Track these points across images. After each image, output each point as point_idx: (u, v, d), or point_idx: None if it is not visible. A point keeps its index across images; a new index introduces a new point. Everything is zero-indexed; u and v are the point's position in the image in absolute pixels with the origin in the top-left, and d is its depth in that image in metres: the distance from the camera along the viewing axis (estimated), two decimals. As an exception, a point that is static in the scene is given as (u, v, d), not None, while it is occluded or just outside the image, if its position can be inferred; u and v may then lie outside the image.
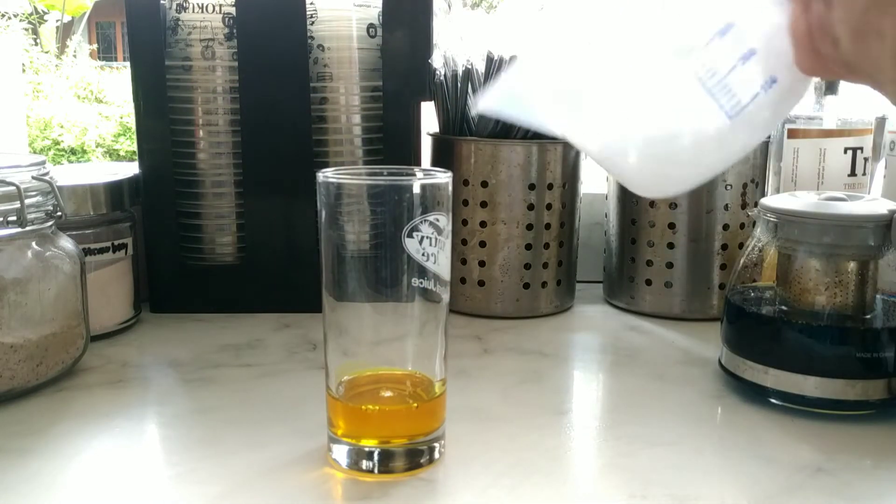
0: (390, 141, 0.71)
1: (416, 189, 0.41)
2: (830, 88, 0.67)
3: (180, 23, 0.69)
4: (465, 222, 0.71)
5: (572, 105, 0.36)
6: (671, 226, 0.71)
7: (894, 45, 0.26)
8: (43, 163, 0.56)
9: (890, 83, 0.27)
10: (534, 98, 0.36)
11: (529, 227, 0.71)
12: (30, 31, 3.71)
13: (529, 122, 0.37)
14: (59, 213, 0.56)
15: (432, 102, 0.73)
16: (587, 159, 0.75)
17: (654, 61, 0.35)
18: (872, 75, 0.28)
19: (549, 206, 0.71)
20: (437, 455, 0.45)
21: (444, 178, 0.42)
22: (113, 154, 3.35)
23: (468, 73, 0.70)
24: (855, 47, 0.28)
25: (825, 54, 0.30)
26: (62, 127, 3.37)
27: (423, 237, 0.41)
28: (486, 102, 0.37)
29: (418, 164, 0.72)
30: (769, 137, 0.70)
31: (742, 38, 0.34)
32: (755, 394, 0.54)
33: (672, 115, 0.35)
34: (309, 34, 0.69)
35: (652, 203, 0.71)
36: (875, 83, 0.29)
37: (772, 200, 0.55)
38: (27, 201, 0.53)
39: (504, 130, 0.70)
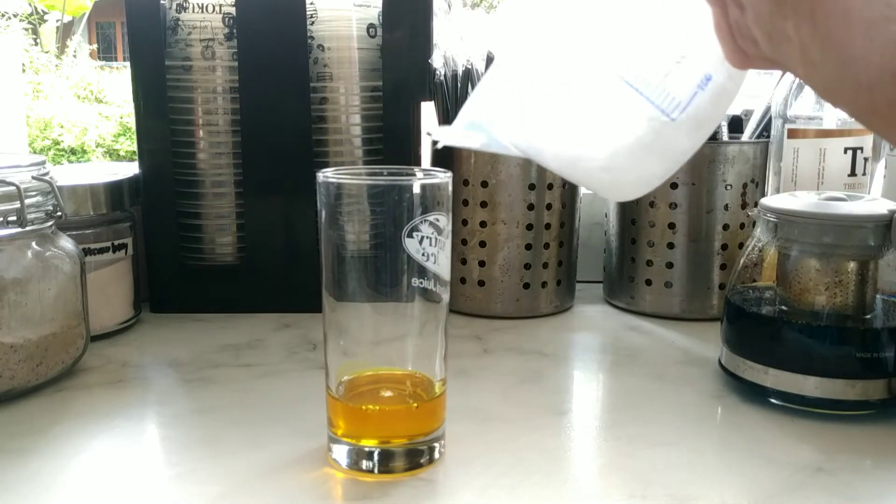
0: (390, 141, 0.71)
1: (416, 189, 0.41)
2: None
3: (180, 23, 0.69)
4: (465, 222, 0.71)
5: (528, 127, 0.38)
6: (671, 226, 0.71)
7: (800, 47, 0.28)
8: (43, 163, 0.56)
9: (805, 78, 0.29)
10: (492, 125, 0.38)
11: (529, 227, 0.71)
12: (30, 31, 3.71)
13: (491, 147, 0.39)
14: (59, 213, 0.56)
15: (432, 102, 0.73)
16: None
17: (595, 78, 0.38)
18: (793, 70, 0.30)
19: (549, 206, 0.71)
20: (436, 455, 0.45)
21: (443, 178, 0.42)
22: (113, 154, 3.35)
23: (468, 73, 0.70)
24: (770, 47, 0.30)
25: (748, 51, 0.32)
26: (62, 127, 3.37)
27: (423, 237, 0.41)
28: (448, 136, 0.39)
29: (418, 164, 0.72)
30: (769, 137, 0.70)
31: (674, 43, 0.36)
32: (755, 394, 0.54)
33: (620, 124, 0.37)
34: (309, 34, 0.69)
35: (652, 203, 0.71)
36: (797, 75, 0.30)
37: (772, 200, 0.55)
38: (27, 201, 0.53)
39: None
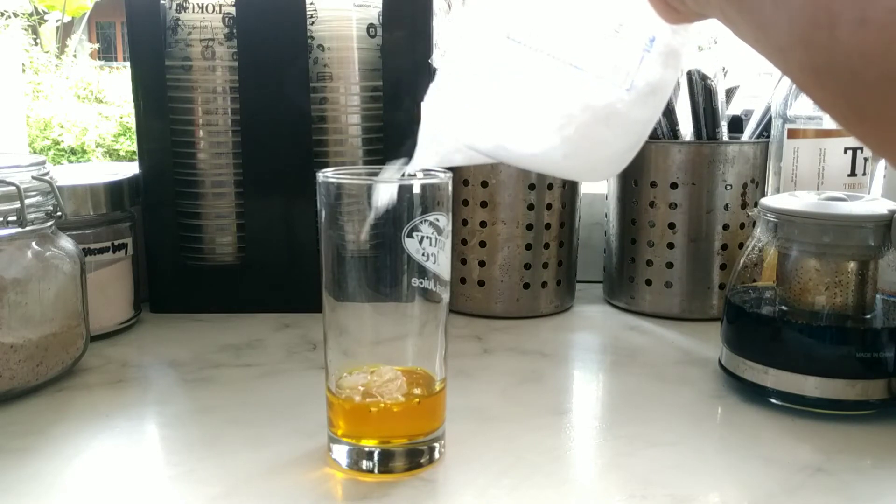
0: (390, 141, 0.71)
1: (416, 189, 0.41)
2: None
3: (180, 23, 0.69)
4: (465, 222, 0.71)
5: (489, 129, 0.37)
6: (671, 226, 0.71)
7: (720, 8, 0.29)
8: (43, 163, 0.56)
9: (733, 32, 0.29)
10: (457, 136, 0.38)
11: (529, 227, 0.71)
12: (30, 31, 3.70)
13: (463, 160, 0.39)
14: (59, 213, 0.56)
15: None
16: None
17: (540, 67, 0.37)
18: (722, 23, 0.30)
19: (549, 206, 0.71)
20: (436, 455, 0.45)
21: (443, 178, 0.42)
22: (113, 154, 3.35)
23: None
24: (695, 5, 0.31)
25: (678, 8, 0.32)
26: (62, 127, 3.37)
27: (423, 237, 0.41)
28: (420, 161, 0.38)
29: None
30: (769, 137, 0.70)
31: (608, 14, 0.36)
32: (755, 394, 0.54)
33: (573, 108, 0.36)
34: (309, 34, 0.69)
35: (652, 203, 0.71)
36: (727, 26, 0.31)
37: (772, 200, 0.55)
38: (27, 201, 0.53)
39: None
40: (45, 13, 3.71)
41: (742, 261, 0.57)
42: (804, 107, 0.67)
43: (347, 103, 0.72)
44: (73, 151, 3.33)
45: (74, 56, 3.97)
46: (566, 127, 0.36)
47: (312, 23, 0.70)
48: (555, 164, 0.37)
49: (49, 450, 0.46)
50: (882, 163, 0.68)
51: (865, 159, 0.67)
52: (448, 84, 0.38)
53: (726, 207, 0.70)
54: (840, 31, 0.23)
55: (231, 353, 0.62)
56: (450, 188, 0.43)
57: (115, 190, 0.66)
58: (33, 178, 0.54)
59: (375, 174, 0.43)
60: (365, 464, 0.44)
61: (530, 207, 0.70)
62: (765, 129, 0.71)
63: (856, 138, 0.27)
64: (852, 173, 0.66)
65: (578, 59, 0.36)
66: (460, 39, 0.38)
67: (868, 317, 0.52)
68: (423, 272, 0.42)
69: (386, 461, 0.44)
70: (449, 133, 0.38)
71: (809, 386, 0.51)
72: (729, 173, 0.70)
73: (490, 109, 0.37)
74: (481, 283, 0.72)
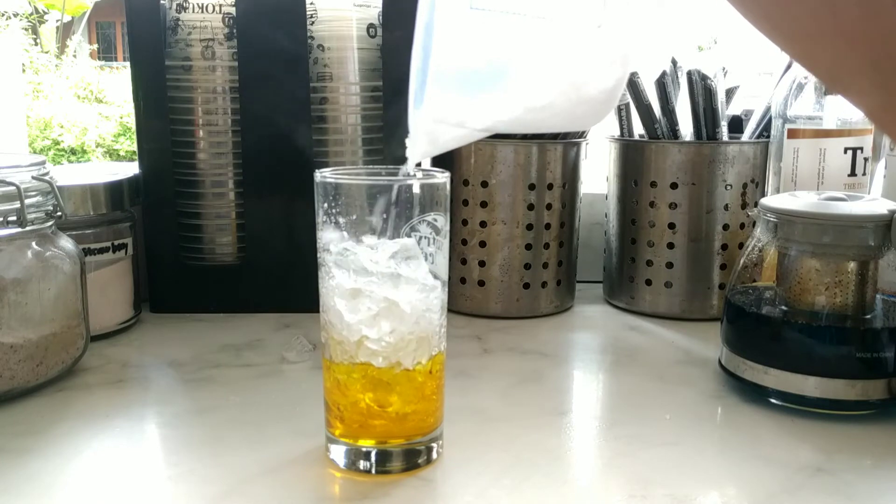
0: (390, 141, 0.71)
1: (415, 189, 0.41)
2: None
3: (180, 23, 0.69)
4: (465, 222, 0.71)
5: (476, 105, 0.37)
6: (671, 226, 0.71)
7: None
8: (43, 163, 0.56)
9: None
10: (449, 120, 0.37)
11: (529, 227, 0.71)
12: (30, 31, 3.70)
13: (463, 138, 0.38)
14: (59, 213, 0.56)
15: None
16: (587, 159, 0.75)
17: (511, 27, 0.36)
18: None
19: (549, 206, 0.71)
20: (434, 455, 0.45)
21: (442, 178, 0.42)
22: (113, 154, 3.35)
23: (468, 73, 0.70)
24: None
25: None
26: (62, 127, 3.36)
27: (421, 237, 0.41)
28: (415, 153, 0.38)
29: (418, 164, 0.72)
30: (769, 137, 0.70)
31: None
32: (755, 394, 0.54)
33: (553, 57, 0.36)
34: (309, 34, 0.69)
35: (652, 203, 0.71)
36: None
37: (772, 200, 0.54)
38: (27, 201, 0.53)
39: (504, 130, 0.70)
40: (45, 13, 3.71)
41: (742, 261, 0.57)
42: (804, 107, 0.67)
43: (347, 103, 0.72)
44: (73, 151, 3.32)
45: (74, 56, 3.96)
46: (550, 81, 0.36)
47: (312, 23, 0.70)
48: (550, 118, 0.37)
49: (49, 450, 0.46)
50: (882, 163, 0.68)
51: (865, 159, 0.67)
52: (426, 72, 0.37)
53: (726, 207, 0.70)
54: None
55: (231, 353, 0.62)
56: (448, 188, 0.43)
57: (115, 190, 0.66)
58: (33, 178, 0.54)
59: (374, 174, 0.43)
60: (362, 464, 0.44)
61: (530, 207, 0.70)
62: (765, 129, 0.71)
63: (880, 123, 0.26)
64: (852, 173, 0.66)
65: (544, 10, 0.36)
66: (425, 25, 0.37)
67: (868, 317, 0.52)
68: (422, 272, 0.42)
69: (383, 461, 0.44)
70: (441, 119, 0.37)
71: (809, 386, 0.51)
72: (729, 173, 0.70)
73: (474, 84, 0.37)
74: (481, 283, 0.72)
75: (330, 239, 0.42)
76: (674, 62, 0.73)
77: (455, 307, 0.72)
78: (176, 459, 0.46)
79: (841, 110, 0.67)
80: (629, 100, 0.72)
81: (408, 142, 0.38)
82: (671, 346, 0.66)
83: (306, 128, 0.70)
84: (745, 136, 0.73)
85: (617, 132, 0.75)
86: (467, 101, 0.36)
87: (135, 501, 0.41)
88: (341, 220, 0.41)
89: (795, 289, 0.53)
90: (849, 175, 0.66)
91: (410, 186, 0.41)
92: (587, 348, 0.69)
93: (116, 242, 0.66)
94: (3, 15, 3.28)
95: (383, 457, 0.44)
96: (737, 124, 0.75)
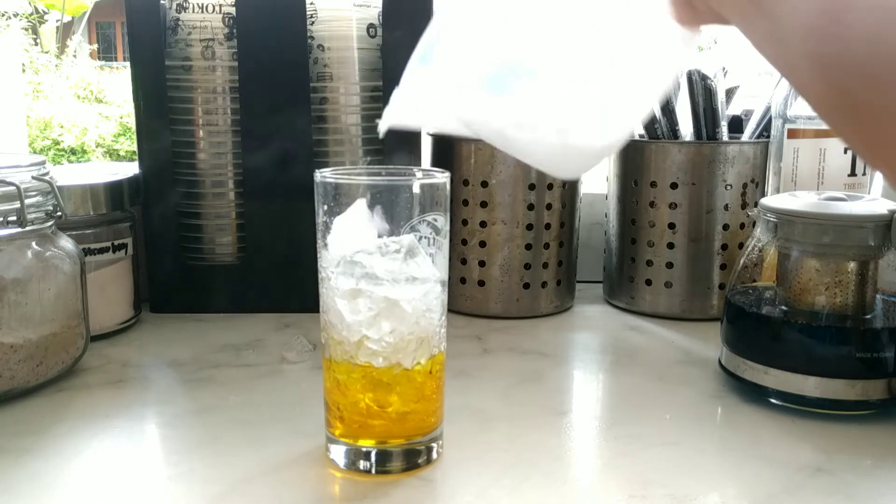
0: (390, 141, 0.71)
1: (415, 189, 0.41)
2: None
3: (180, 23, 0.69)
4: (465, 222, 0.71)
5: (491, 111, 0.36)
6: (671, 226, 0.71)
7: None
8: (43, 163, 0.56)
9: (743, 30, 0.32)
10: (441, 97, 0.37)
11: (529, 227, 0.71)
12: (30, 31, 3.70)
13: (436, 124, 0.38)
14: (59, 213, 0.56)
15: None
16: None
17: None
18: (733, 23, 0.32)
19: (549, 206, 0.71)
20: (434, 455, 0.45)
21: (442, 178, 0.42)
22: (113, 154, 3.35)
23: (468, 73, 0.70)
24: (717, 1, 0.33)
25: (699, 7, 0.34)
26: (62, 127, 3.37)
27: (421, 237, 0.41)
28: (389, 118, 0.38)
29: (418, 164, 0.72)
30: (769, 137, 0.70)
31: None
32: (755, 394, 0.54)
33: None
34: (309, 34, 0.69)
35: (652, 203, 0.71)
36: (736, 26, 0.32)
37: (772, 200, 0.54)
38: (27, 201, 0.53)
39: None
40: (45, 13, 3.71)
41: (742, 261, 0.57)
42: (804, 107, 0.67)
43: (347, 103, 0.72)
44: (73, 151, 3.33)
45: (74, 56, 3.96)
46: (551, 117, 0.36)
47: (312, 23, 0.70)
48: (532, 148, 0.37)
49: (49, 450, 0.46)
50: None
51: (865, 159, 0.67)
52: (442, 38, 0.38)
53: (726, 207, 0.70)
54: (851, 15, 0.24)
55: (231, 353, 0.62)
56: (448, 189, 0.43)
57: (115, 190, 0.66)
58: (33, 178, 0.54)
59: (374, 174, 0.43)
60: (362, 464, 0.44)
61: (530, 207, 0.70)
62: (765, 129, 0.71)
63: (848, 142, 0.28)
64: (852, 173, 0.66)
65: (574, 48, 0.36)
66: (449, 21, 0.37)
67: (868, 317, 0.52)
68: (422, 272, 0.42)
69: (383, 461, 0.44)
70: (440, 101, 0.37)
71: (809, 386, 0.51)
72: (729, 173, 0.70)
73: (486, 78, 0.37)
74: (481, 283, 0.72)
75: (330, 239, 0.42)
76: (674, 62, 0.73)
77: (455, 307, 0.72)
78: (176, 459, 0.46)
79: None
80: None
81: (396, 93, 0.38)
82: (671, 346, 0.66)
83: (306, 128, 0.70)
84: (745, 136, 0.73)
85: (617, 132, 0.74)
86: (473, 91, 0.36)
87: (135, 501, 0.41)
88: (341, 220, 0.41)
89: (795, 289, 0.53)
90: (849, 175, 0.66)
91: (410, 186, 0.41)
92: (587, 348, 0.69)
93: (116, 242, 0.66)
94: (3, 15, 3.28)
95: (383, 457, 0.44)
96: (737, 124, 0.75)
